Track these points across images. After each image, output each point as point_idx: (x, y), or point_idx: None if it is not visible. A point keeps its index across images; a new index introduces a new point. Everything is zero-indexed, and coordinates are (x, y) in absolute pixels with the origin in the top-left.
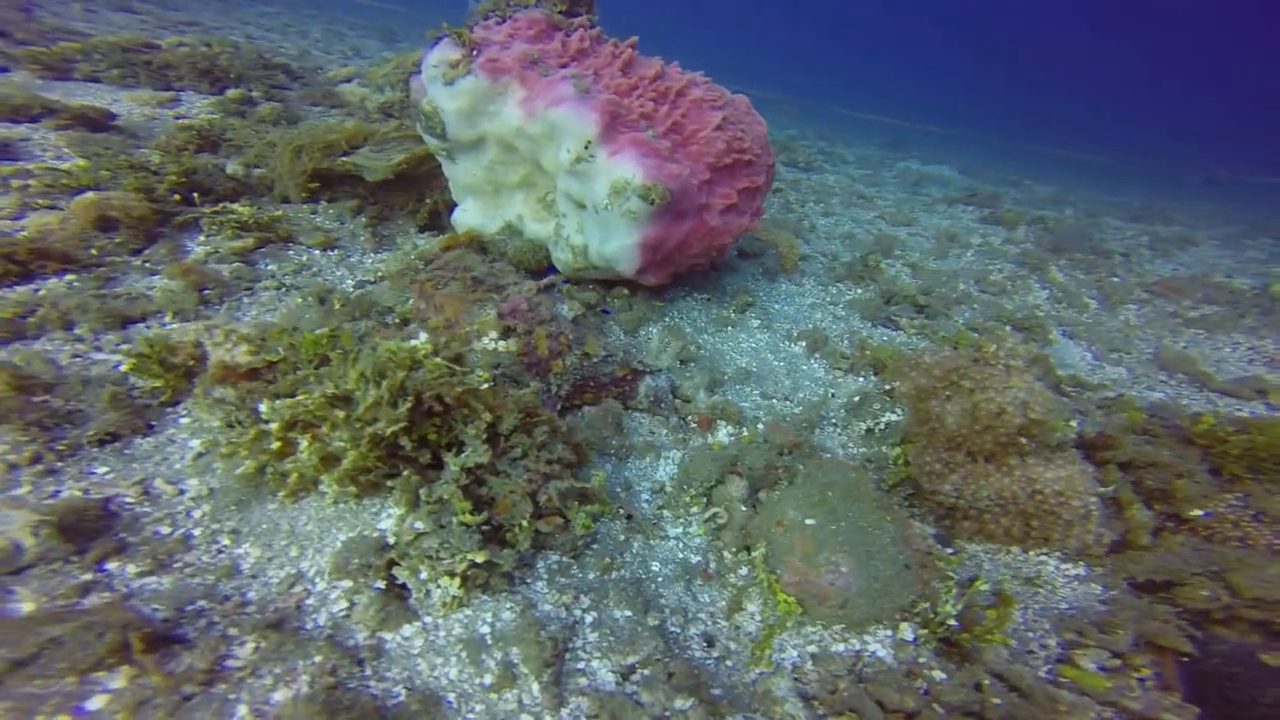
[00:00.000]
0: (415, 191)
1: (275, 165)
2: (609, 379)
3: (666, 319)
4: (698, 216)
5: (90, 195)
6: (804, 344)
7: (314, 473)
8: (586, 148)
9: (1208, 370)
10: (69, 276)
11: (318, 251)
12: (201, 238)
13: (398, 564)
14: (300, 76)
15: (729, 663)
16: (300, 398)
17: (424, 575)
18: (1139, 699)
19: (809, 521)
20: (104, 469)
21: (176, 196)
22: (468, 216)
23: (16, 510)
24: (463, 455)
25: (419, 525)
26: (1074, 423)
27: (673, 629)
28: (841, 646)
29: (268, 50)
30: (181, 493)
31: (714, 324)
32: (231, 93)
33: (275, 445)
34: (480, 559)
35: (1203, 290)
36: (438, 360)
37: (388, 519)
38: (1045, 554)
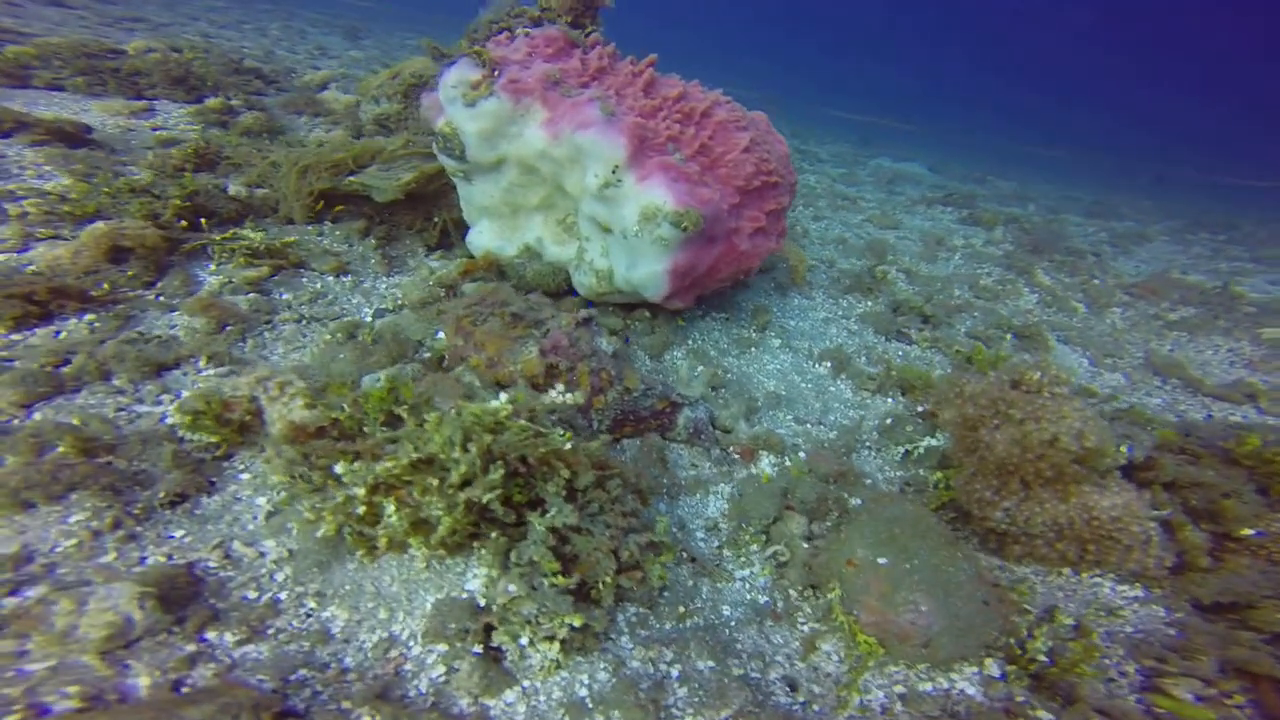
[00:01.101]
0: (423, 210)
1: (280, 186)
2: (648, 412)
3: (690, 342)
4: (727, 241)
5: (101, 225)
6: (829, 364)
7: (404, 537)
8: (614, 172)
9: (1197, 375)
10: (89, 316)
11: (331, 278)
12: (213, 266)
13: (495, 628)
14: (275, 81)
15: (815, 707)
16: (388, 463)
17: (525, 641)
18: None
19: (881, 561)
20: (180, 532)
21: (184, 222)
22: (484, 239)
23: (120, 583)
24: (548, 515)
25: (512, 589)
26: (1125, 449)
27: (754, 675)
28: (929, 686)
29: (231, 51)
30: (262, 555)
31: (737, 345)
32: (211, 102)
33: (361, 510)
34: (578, 623)
35: (1178, 291)
36: (522, 423)
37: (474, 579)
38: (1099, 576)
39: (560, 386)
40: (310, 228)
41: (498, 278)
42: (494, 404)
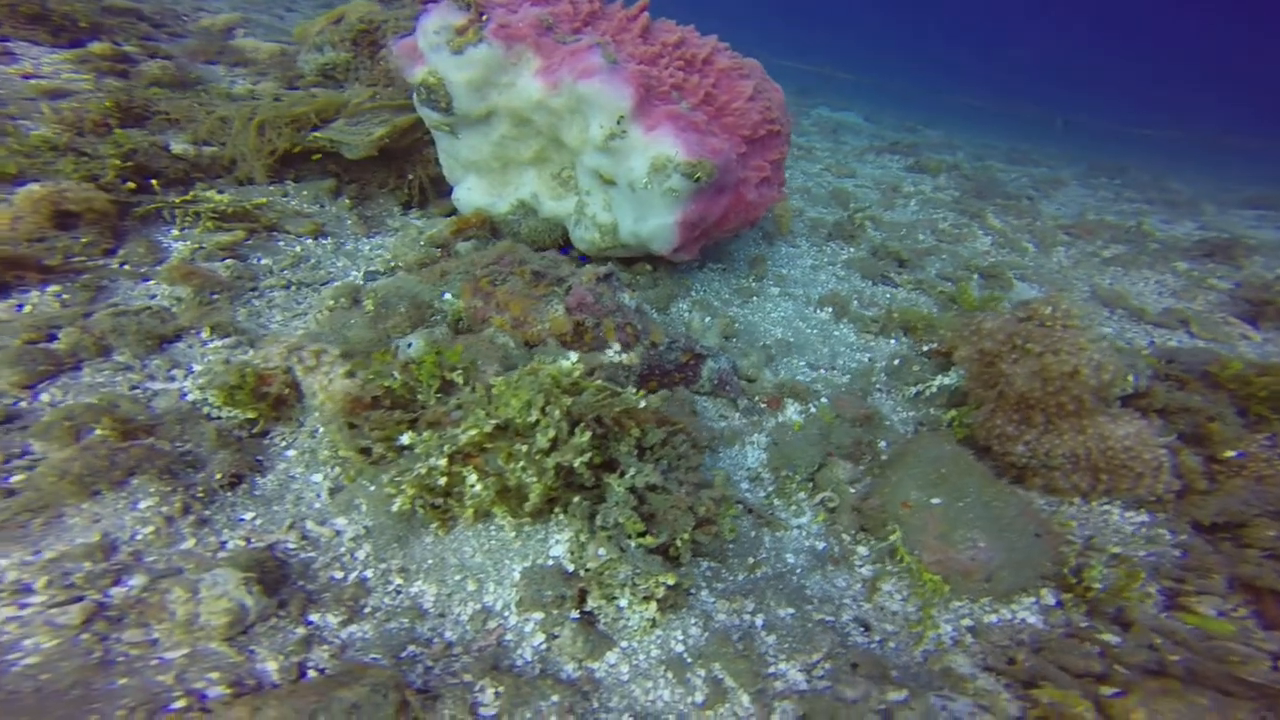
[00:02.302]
0: (396, 167)
1: (236, 143)
2: (673, 365)
3: (693, 293)
4: (735, 191)
5: (36, 188)
6: (829, 310)
7: (490, 506)
8: (619, 123)
9: (1138, 305)
10: (53, 288)
11: (310, 240)
12: (175, 231)
13: (589, 593)
14: (162, 24)
15: (892, 644)
16: (470, 431)
17: (624, 603)
18: (1266, 641)
19: (935, 501)
20: (250, 514)
21: (129, 184)
22: (473, 195)
23: (223, 569)
24: (628, 476)
25: (603, 553)
26: (1131, 378)
27: (828, 619)
28: (994, 617)
29: None
30: (338, 534)
31: (738, 295)
32: (95, 47)
33: (443, 481)
34: (671, 581)
35: (1109, 231)
36: (599, 383)
37: (556, 545)
38: (1108, 503)
39: (616, 346)
40: (273, 188)
41: (491, 235)
42: (566, 365)
